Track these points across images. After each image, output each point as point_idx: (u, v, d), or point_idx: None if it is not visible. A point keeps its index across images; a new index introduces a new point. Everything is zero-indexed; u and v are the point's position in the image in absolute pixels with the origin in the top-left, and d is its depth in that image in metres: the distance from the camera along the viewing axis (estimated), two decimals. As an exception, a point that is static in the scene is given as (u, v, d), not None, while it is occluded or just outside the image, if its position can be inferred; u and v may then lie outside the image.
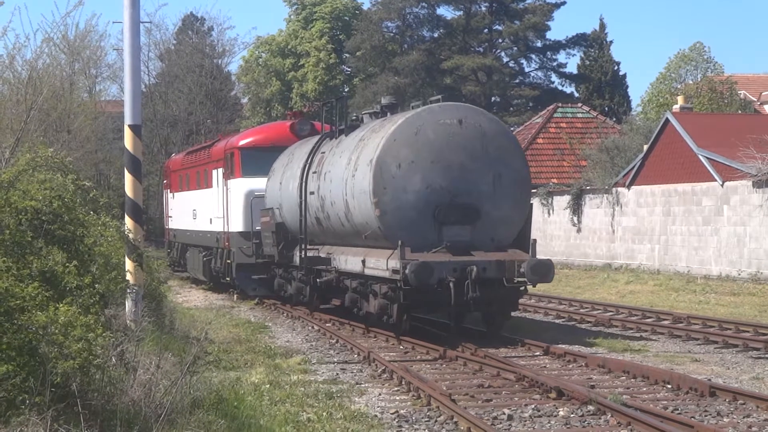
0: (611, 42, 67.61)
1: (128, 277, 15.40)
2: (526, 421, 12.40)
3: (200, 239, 34.03)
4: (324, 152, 22.92)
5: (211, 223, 32.02)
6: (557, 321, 23.99)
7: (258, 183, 28.35)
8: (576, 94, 65.98)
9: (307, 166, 23.43)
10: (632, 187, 35.78)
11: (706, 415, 12.63)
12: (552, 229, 40.83)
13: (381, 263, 18.89)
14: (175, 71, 64.20)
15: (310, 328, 22.72)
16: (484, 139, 19.47)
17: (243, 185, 29.08)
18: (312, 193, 22.75)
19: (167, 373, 11.42)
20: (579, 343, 19.00)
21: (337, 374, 16.11)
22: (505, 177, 19.51)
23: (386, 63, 65.69)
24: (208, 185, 32.75)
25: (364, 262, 19.77)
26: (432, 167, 19.10)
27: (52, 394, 9.10)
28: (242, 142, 30.02)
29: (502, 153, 19.63)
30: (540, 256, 19.71)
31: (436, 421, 12.41)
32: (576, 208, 39.35)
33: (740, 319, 22.36)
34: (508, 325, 20.09)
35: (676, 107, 37.90)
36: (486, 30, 65.92)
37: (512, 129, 47.14)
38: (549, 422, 12.31)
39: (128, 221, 16.41)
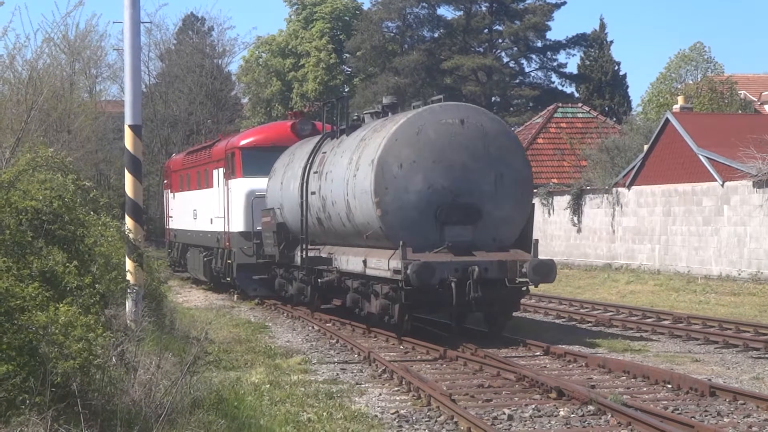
0: (611, 42, 67.69)
1: (128, 277, 15.41)
2: (526, 421, 12.40)
3: (201, 239, 34.03)
4: (325, 152, 22.90)
5: (211, 223, 32.01)
6: (557, 321, 23.99)
7: (259, 183, 28.32)
8: (576, 94, 65.99)
9: (308, 166, 23.40)
10: (632, 187, 35.78)
11: (706, 415, 12.63)
12: (552, 229, 40.83)
13: (382, 263, 18.87)
14: (176, 71, 64.23)
15: (310, 328, 22.72)
16: (485, 138, 19.44)
17: (244, 185, 29.06)
18: (313, 193, 22.73)
19: (167, 373, 11.42)
20: (579, 343, 19.00)
21: (338, 374, 16.11)
22: (507, 177, 19.48)
23: (386, 63, 65.71)
24: (209, 185, 32.74)
25: (365, 262, 19.75)
26: (434, 167, 19.08)
27: (52, 394, 9.10)
28: (243, 142, 30.01)
29: (504, 153, 19.60)
30: (540, 256, 19.69)
31: (436, 421, 12.41)
32: (576, 208, 39.35)
33: (740, 319, 22.36)
34: (508, 325, 20.08)
35: (676, 107, 37.90)
36: (486, 30, 65.93)
37: (512, 129, 47.11)
38: (549, 422, 12.31)
39: (128, 221, 16.42)
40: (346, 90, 66.76)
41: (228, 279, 30.47)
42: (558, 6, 64.44)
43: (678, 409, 12.91)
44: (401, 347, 19.05)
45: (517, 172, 19.69)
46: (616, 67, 66.85)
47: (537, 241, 19.73)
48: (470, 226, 19.17)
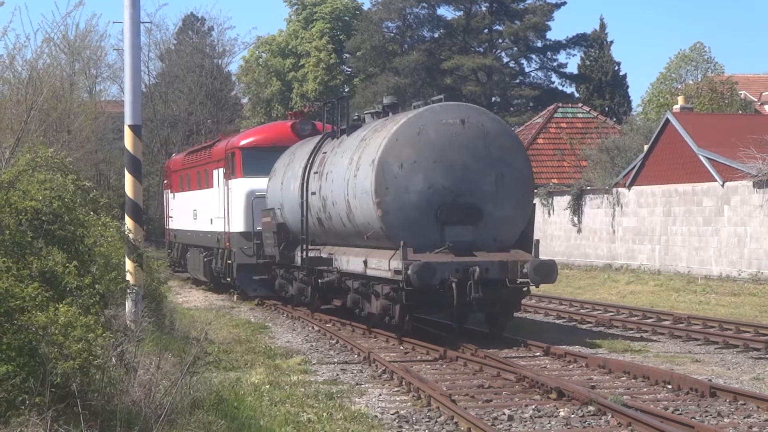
0: (611, 42, 67.68)
1: (128, 277, 15.40)
2: (526, 421, 12.39)
3: (201, 239, 34.01)
4: (326, 152, 22.87)
5: (211, 223, 31.99)
6: (558, 321, 23.99)
7: (259, 183, 28.29)
8: (576, 95, 65.99)
9: (309, 166, 23.38)
10: (633, 187, 35.77)
11: (706, 416, 12.63)
12: (552, 229, 40.83)
13: (383, 264, 18.84)
14: (176, 71, 64.23)
15: (310, 328, 22.71)
16: (486, 138, 19.40)
17: (244, 185, 29.04)
18: (313, 193, 22.71)
19: (167, 374, 11.41)
20: (579, 344, 18.99)
21: (338, 375, 16.10)
22: (508, 177, 19.43)
23: (386, 63, 65.71)
24: (209, 185, 32.72)
25: (366, 262, 19.72)
26: (434, 167, 19.04)
27: (52, 394, 9.09)
28: (243, 142, 29.99)
29: (505, 153, 19.55)
30: (541, 256, 19.66)
31: (436, 421, 12.40)
32: (576, 208, 39.34)
33: (741, 319, 22.36)
34: (508, 325, 20.06)
35: (676, 107, 37.89)
36: (486, 30, 65.94)
37: (513, 129, 47.12)
38: (549, 423, 12.31)
39: (128, 221, 16.41)
40: (346, 90, 66.77)
41: (228, 279, 30.45)
42: (558, 6, 64.46)
43: (678, 410, 12.91)
44: (401, 348, 19.04)
45: (518, 172, 19.65)
46: (616, 67, 66.86)
47: (538, 241, 19.69)
48: (471, 226, 19.13)
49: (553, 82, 67.14)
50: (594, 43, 66.48)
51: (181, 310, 23.56)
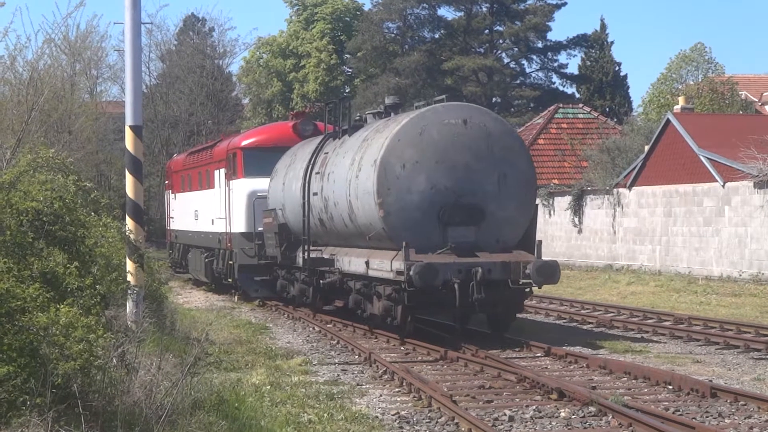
0: (612, 42, 67.69)
1: (129, 278, 15.41)
2: (527, 422, 12.39)
3: (202, 240, 34.01)
4: (327, 152, 22.85)
5: (213, 224, 31.99)
6: (558, 322, 23.99)
7: (260, 183, 28.27)
8: (577, 95, 65.99)
9: (310, 166, 23.35)
10: (633, 187, 35.78)
11: (707, 417, 12.63)
12: (553, 230, 40.83)
13: (385, 264, 18.81)
14: (176, 72, 64.28)
15: (311, 329, 22.71)
16: (489, 139, 19.35)
17: (245, 186, 29.03)
18: (315, 193, 22.68)
19: (168, 374, 11.41)
20: (580, 344, 18.98)
21: (338, 375, 16.10)
22: (510, 177, 19.37)
23: (387, 64, 65.73)
24: (210, 186, 32.72)
25: (367, 263, 19.69)
26: (436, 167, 19.00)
27: (53, 395, 9.10)
28: (245, 143, 29.98)
29: (507, 153, 19.48)
30: (543, 257, 19.63)
31: (437, 422, 12.40)
32: (577, 208, 39.35)
33: (741, 320, 22.36)
34: (511, 326, 20.04)
35: (677, 108, 37.90)
36: (487, 31, 65.95)
37: (515, 129, 47.12)
38: (550, 423, 12.31)
39: (129, 222, 16.41)
40: (347, 91, 66.77)
41: (229, 280, 30.43)
42: (558, 6, 64.47)
43: (679, 410, 12.91)
44: (402, 348, 19.03)
45: (521, 173, 19.58)
46: (617, 68, 66.85)
47: (540, 242, 19.64)
48: (473, 226, 19.08)
49: (554, 83, 67.21)
50: (594, 43, 66.48)
51: (181, 310, 23.56)
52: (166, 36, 67.32)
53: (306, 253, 23.09)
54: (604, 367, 16.11)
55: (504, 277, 18.54)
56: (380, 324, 20.25)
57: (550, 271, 18.67)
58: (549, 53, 66.16)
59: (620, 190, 36.57)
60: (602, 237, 37.79)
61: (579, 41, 66.06)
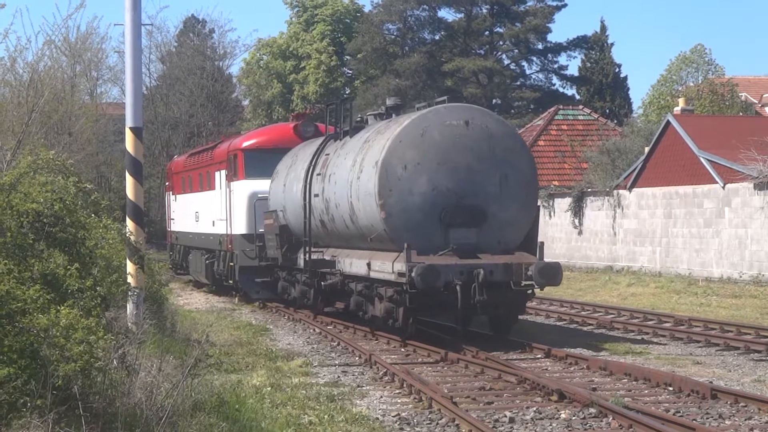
0: (612, 44, 67.67)
1: (129, 279, 15.41)
2: (527, 423, 12.40)
3: (203, 242, 34.00)
4: (328, 154, 22.83)
5: (213, 225, 31.98)
6: (559, 323, 24.00)
7: (261, 185, 28.26)
8: (577, 97, 65.96)
9: (311, 167, 23.33)
10: (633, 189, 35.78)
11: (707, 418, 12.63)
12: (553, 231, 40.82)
13: (386, 266, 18.77)
14: (177, 73, 64.31)
15: (311, 330, 22.71)
16: (490, 140, 19.31)
17: (246, 187, 29.01)
18: (316, 195, 22.65)
19: (168, 376, 11.41)
20: (581, 346, 18.98)
21: (339, 377, 16.10)
22: (512, 178, 19.33)
23: (387, 65, 65.71)
24: (211, 187, 32.71)
25: (369, 265, 19.66)
26: (438, 169, 18.96)
27: (53, 396, 9.10)
28: (245, 144, 29.97)
29: (509, 154, 19.44)
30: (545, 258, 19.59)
31: (437, 423, 12.41)
32: (577, 210, 39.35)
33: (742, 321, 22.36)
34: (513, 328, 20.03)
35: (677, 109, 37.89)
36: (487, 32, 65.92)
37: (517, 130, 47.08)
38: (551, 425, 12.31)
39: (129, 224, 16.41)
40: (347, 92, 66.76)
41: (230, 282, 30.42)
42: (558, 8, 64.43)
43: (679, 412, 12.91)
44: (402, 350, 19.03)
45: (523, 174, 19.54)
46: (617, 69, 66.83)
47: (542, 243, 19.61)
48: (475, 228, 19.05)
49: (554, 84, 67.14)
50: (595, 45, 66.47)
51: (182, 312, 23.56)
52: (166, 37, 67.41)
53: (307, 255, 23.07)
54: (605, 369, 16.12)
55: (506, 279, 18.50)
56: (382, 326, 20.23)
57: (552, 273, 18.63)
58: (549, 55, 66.12)
59: (620, 191, 36.57)
60: (602, 238, 37.79)
61: (579, 43, 66.04)
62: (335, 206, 21.36)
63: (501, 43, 66.17)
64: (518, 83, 66.47)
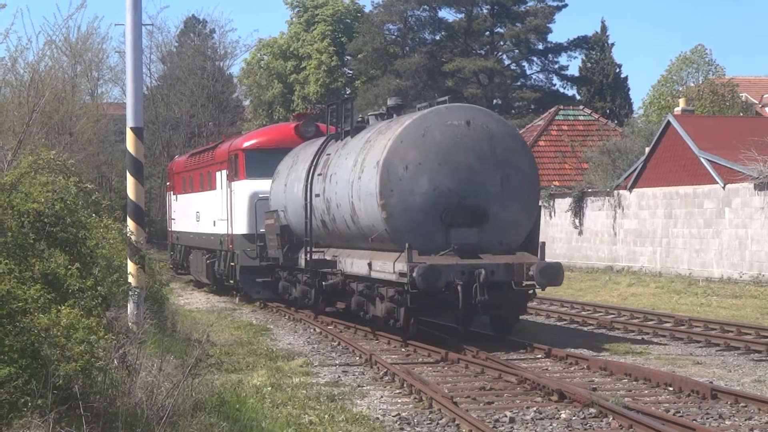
0: (613, 44, 67.67)
1: (130, 279, 15.42)
2: (527, 423, 12.40)
3: (203, 242, 34.01)
4: (329, 154, 22.82)
5: (214, 225, 31.99)
6: (559, 324, 24.01)
7: (262, 185, 28.26)
8: (578, 97, 65.96)
9: (313, 167, 23.32)
10: (634, 189, 35.79)
11: (707, 418, 12.64)
12: (553, 231, 40.82)
13: (388, 266, 18.75)
14: (177, 74, 64.35)
15: (311, 330, 22.72)
16: (492, 140, 19.28)
17: (247, 187, 29.02)
18: (317, 195, 22.65)
19: (169, 376, 11.42)
20: (581, 346, 18.98)
21: (339, 377, 16.11)
22: (513, 179, 19.31)
23: (388, 65, 65.72)
24: (212, 187, 32.72)
25: (370, 265, 19.64)
26: (439, 169, 18.94)
27: (54, 396, 9.11)
28: (246, 144, 29.97)
29: (510, 154, 19.41)
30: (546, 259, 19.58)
31: (437, 423, 12.42)
32: (578, 210, 39.35)
33: (742, 321, 22.36)
34: (514, 328, 20.02)
35: (677, 110, 37.90)
36: (487, 32, 65.94)
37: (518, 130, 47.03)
38: (551, 425, 12.32)
39: (130, 223, 16.42)
40: (348, 92, 66.77)
41: (231, 282, 30.43)
42: (559, 8, 64.44)
43: (679, 412, 12.92)
44: (403, 350, 19.03)
45: (524, 174, 19.51)
46: (618, 70, 66.84)
47: (544, 243, 19.61)
48: (476, 228, 19.02)
49: (555, 85, 67.16)
50: (595, 45, 66.48)
51: (182, 312, 23.58)
52: (167, 38, 67.48)
53: (308, 255, 23.07)
54: (605, 369, 16.13)
55: (507, 279, 18.48)
56: (383, 326, 20.22)
57: (554, 273, 18.62)
58: (549, 55, 66.14)
59: (621, 191, 36.58)
60: (603, 238, 37.80)
61: (579, 43, 66.05)
62: (336, 206, 21.36)
63: (501, 43, 66.18)
64: (519, 83, 66.47)
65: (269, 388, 14.50)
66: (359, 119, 23.90)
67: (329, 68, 69.90)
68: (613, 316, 24.19)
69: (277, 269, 27.23)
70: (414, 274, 17.65)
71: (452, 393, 14.00)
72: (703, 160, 31.99)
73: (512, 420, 12.52)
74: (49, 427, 8.80)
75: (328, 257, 22.63)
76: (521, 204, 19.43)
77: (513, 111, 64.14)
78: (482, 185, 19.11)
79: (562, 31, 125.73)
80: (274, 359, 17.76)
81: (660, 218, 34.20)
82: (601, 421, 12.48)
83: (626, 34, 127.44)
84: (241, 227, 29.07)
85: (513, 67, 66.67)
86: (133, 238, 15.97)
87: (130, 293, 15.10)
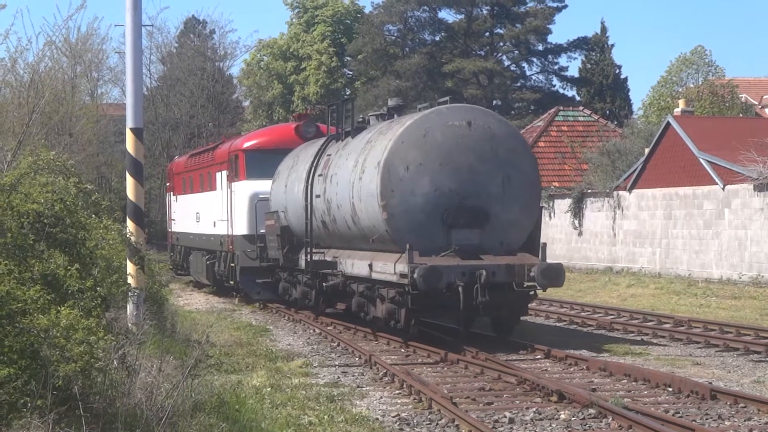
0: (612, 45, 67.70)
1: (130, 280, 15.42)
2: (527, 424, 12.41)
3: (204, 242, 34.00)
4: (330, 154, 22.80)
5: (214, 226, 31.98)
6: (559, 324, 24.01)
7: (263, 186, 28.24)
8: (577, 98, 65.96)
9: (313, 168, 23.30)
10: (633, 190, 35.79)
11: (707, 419, 12.64)
12: (553, 232, 40.82)
13: (388, 267, 18.73)
14: (177, 74, 64.33)
15: (311, 331, 22.72)
16: (493, 141, 19.25)
17: (247, 188, 29.00)
18: (318, 196, 22.62)
19: (169, 376, 11.43)
20: (580, 347, 18.98)
21: (339, 377, 16.12)
22: (515, 179, 19.27)
23: (388, 66, 65.70)
24: (212, 188, 32.71)
25: (371, 266, 19.61)
26: (440, 169, 18.90)
27: (53, 397, 9.11)
28: (247, 144, 29.95)
29: (512, 155, 19.38)
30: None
31: (437, 424, 12.42)
32: (577, 211, 39.35)
33: (741, 322, 22.37)
34: (515, 329, 20.01)
35: (677, 111, 37.91)
36: (487, 33, 65.93)
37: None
38: (550, 425, 12.32)
39: (130, 224, 16.43)
40: (348, 93, 66.77)
41: (231, 282, 30.43)
42: (559, 9, 64.43)
43: (679, 413, 12.93)
44: (402, 350, 19.03)
45: (525, 175, 19.48)
46: (618, 71, 66.85)
47: (545, 244, 19.58)
48: (477, 229, 18.97)
49: (554, 86, 67.13)
50: (595, 46, 66.49)
51: (182, 312, 23.58)
52: (166, 38, 67.44)
53: (308, 256, 23.04)
54: (604, 369, 16.13)
55: (508, 280, 18.45)
56: (383, 327, 20.20)
57: (555, 274, 18.61)
58: (549, 56, 66.13)
59: (620, 192, 36.58)
60: (602, 239, 37.80)
61: (579, 44, 66.05)
62: (337, 207, 21.34)
63: (501, 44, 66.18)
64: (518, 84, 66.47)
65: (269, 389, 14.51)
66: (360, 120, 23.88)
67: (329, 69, 69.90)
68: (612, 316, 24.19)
69: (277, 270, 27.22)
70: (415, 275, 17.62)
71: (452, 393, 14.01)
72: (702, 161, 32.00)
73: (511, 420, 12.53)
74: (48, 428, 8.81)
75: (328, 258, 22.62)
76: (522, 205, 19.40)
77: (513, 112, 64.13)
78: (483, 186, 19.07)
79: (561, 32, 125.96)
80: (273, 360, 17.76)
81: (659, 219, 34.20)
82: (601, 421, 12.49)
83: (626, 35, 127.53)
84: (241, 228, 29.06)
85: (513, 68, 66.67)
86: (132, 238, 15.98)
87: (130, 294, 15.10)
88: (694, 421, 12.31)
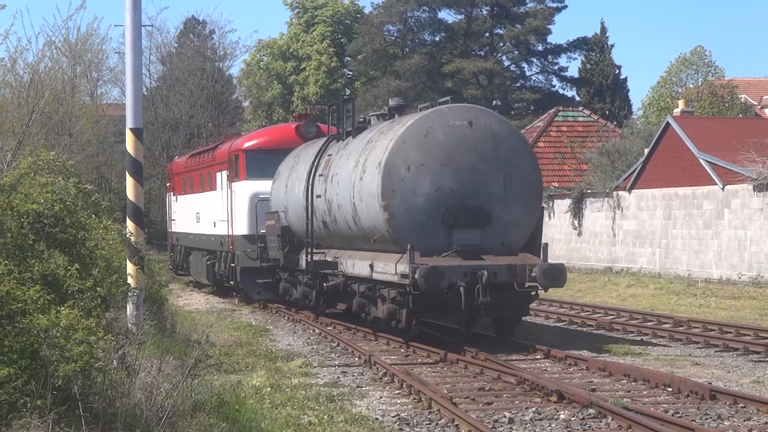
0: (612, 46, 67.72)
1: (129, 280, 15.42)
2: (527, 424, 12.42)
3: (204, 243, 33.99)
4: (331, 154, 22.78)
5: (215, 226, 31.97)
6: (558, 324, 24.02)
7: (263, 186, 28.22)
8: (577, 98, 65.97)
9: (314, 168, 23.28)
10: (633, 190, 35.79)
11: (706, 419, 12.65)
12: (553, 232, 40.81)
13: (389, 267, 18.70)
14: (177, 74, 64.34)
15: (311, 331, 22.72)
16: (494, 141, 19.20)
17: (248, 188, 28.98)
18: (318, 196, 22.59)
19: (168, 376, 11.43)
20: (580, 347, 18.98)
21: (338, 377, 16.12)
22: (516, 179, 19.23)
23: (387, 66, 65.70)
24: (212, 188, 32.70)
25: (372, 266, 19.57)
26: (442, 170, 18.86)
27: (53, 397, 9.12)
28: (247, 144, 29.92)
29: (513, 155, 19.33)
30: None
31: (437, 424, 12.43)
32: (577, 211, 39.36)
33: (741, 322, 22.38)
34: (516, 330, 20.00)
35: (676, 111, 37.92)
36: (487, 34, 65.94)
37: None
38: (550, 425, 12.33)
39: (130, 224, 16.43)
40: (348, 93, 66.77)
41: (231, 283, 30.41)
42: (559, 10, 64.43)
43: (678, 413, 12.93)
44: (402, 350, 19.04)
45: (526, 175, 19.43)
46: (617, 71, 66.86)
47: (546, 245, 19.54)
48: (479, 229, 18.93)
49: (554, 86, 67.13)
50: (595, 46, 66.50)
51: (182, 313, 23.58)
52: (166, 38, 67.47)
53: (309, 256, 23.02)
54: (604, 370, 16.14)
55: (510, 281, 18.41)
56: (384, 327, 20.18)
57: (557, 274, 18.58)
58: (549, 56, 66.13)
59: (620, 192, 36.58)
60: (602, 240, 37.80)
61: (579, 44, 66.06)
62: (338, 207, 21.32)
63: (501, 44, 66.19)
64: (518, 85, 66.48)
65: (268, 389, 14.51)
66: (361, 120, 23.85)
67: (329, 69, 69.89)
68: (612, 317, 24.20)
69: (277, 270, 27.20)
70: (416, 276, 17.59)
71: (451, 393, 14.02)
72: (702, 161, 32.01)
73: (511, 420, 12.53)
74: (48, 428, 8.81)
75: (329, 258, 22.59)
76: (524, 205, 19.36)
77: (512, 112, 64.12)
78: (485, 186, 19.02)
79: (561, 32, 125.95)
80: (273, 360, 17.77)
81: (659, 219, 34.21)
82: (600, 421, 12.49)
83: (626, 35, 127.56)
84: (241, 228, 29.05)
85: (512, 68, 66.68)
86: (132, 239, 15.98)
87: (130, 294, 15.11)
88: (693, 421, 12.31)
